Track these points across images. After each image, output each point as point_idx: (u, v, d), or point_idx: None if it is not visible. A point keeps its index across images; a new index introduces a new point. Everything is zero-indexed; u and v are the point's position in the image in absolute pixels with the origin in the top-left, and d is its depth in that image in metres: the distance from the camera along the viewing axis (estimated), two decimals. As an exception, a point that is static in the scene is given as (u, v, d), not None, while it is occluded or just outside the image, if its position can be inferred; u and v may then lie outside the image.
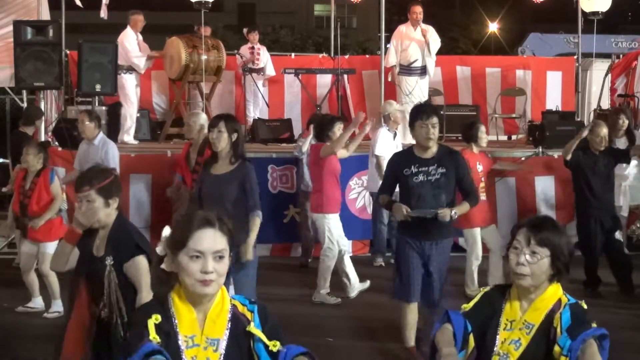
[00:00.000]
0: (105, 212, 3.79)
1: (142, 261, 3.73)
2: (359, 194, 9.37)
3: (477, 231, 7.52)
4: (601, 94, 11.96)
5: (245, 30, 12.26)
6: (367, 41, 31.85)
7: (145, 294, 3.68)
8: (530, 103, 12.36)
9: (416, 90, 10.51)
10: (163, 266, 2.54)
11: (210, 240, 2.46)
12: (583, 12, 11.58)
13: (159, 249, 2.55)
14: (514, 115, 12.24)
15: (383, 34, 10.72)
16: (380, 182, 8.62)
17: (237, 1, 41.03)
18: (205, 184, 5.62)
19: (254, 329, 2.52)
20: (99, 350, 3.81)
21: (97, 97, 10.00)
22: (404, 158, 5.64)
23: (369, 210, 9.24)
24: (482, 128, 7.49)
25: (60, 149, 9.33)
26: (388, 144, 8.59)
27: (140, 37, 10.46)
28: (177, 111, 10.98)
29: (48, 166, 7.10)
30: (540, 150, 9.76)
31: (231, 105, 12.19)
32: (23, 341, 6.36)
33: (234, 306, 2.56)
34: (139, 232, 3.95)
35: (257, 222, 5.47)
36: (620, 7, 26.40)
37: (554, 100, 12.24)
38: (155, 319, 2.45)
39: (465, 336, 2.83)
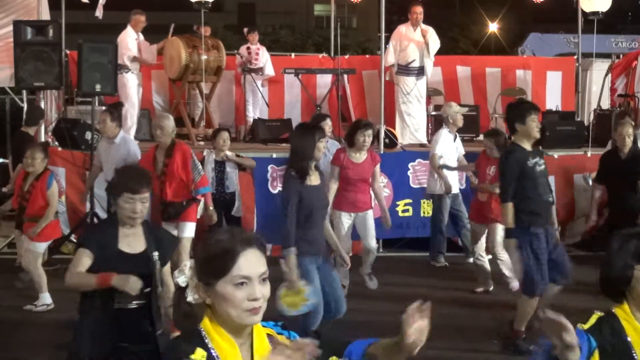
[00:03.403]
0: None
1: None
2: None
3: None
4: (601, 94, 11.96)
5: (245, 30, 12.27)
6: (367, 41, 31.83)
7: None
8: (530, 103, 12.36)
9: (414, 90, 10.51)
10: (189, 299, 2.23)
11: (256, 262, 2.18)
12: (583, 12, 11.58)
13: (181, 280, 2.26)
14: (514, 115, 12.21)
15: (383, 34, 10.70)
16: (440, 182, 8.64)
17: (237, 1, 41.04)
18: (310, 197, 5.48)
19: None
20: (120, 343, 3.89)
21: (97, 97, 9.99)
22: (521, 154, 5.90)
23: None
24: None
25: (60, 149, 9.33)
26: (448, 145, 8.64)
27: (142, 37, 10.45)
28: (177, 111, 10.97)
29: (48, 169, 7.11)
30: (540, 150, 9.74)
31: (231, 106, 12.19)
32: (23, 341, 6.37)
33: (269, 336, 2.28)
34: None
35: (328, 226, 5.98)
36: (620, 7, 26.37)
37: (554, 100, 12.25)
38: (200, 356, 2.13)
39: (590, 350, 2.62)
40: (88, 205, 8.86)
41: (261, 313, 2.17)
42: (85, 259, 3.88)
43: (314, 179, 5.49)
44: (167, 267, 3.99)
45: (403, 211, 9.57)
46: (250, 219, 8.93)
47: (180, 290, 2.26)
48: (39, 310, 7.01)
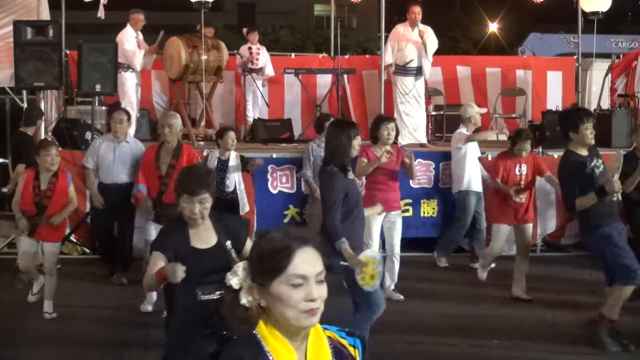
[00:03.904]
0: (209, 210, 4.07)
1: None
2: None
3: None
4: (601, 94, 11.96)
5: (245, 30, 12.26)
6: (367, 41, 31.81)
7: None
8: (530, 103, 12.36)
9: (412, 90, 10.51)
10: (243, 301, 2.13)
11: (312, 261, 2.07)
12: (583, 12, 11.57)
13: (234, 282, 2.16)
14: (514, 115, 12.24)
15: (383, 34, 10.71)
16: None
17: (237, 1, 41.06)
18: (354, 191, 5.49)
19: None
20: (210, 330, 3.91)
21: (97, 97, 10.00)
22: (579, 160, 5.95)
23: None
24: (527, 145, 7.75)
25: (60, 149, 9.32)
26: (470, 144, 8.67)
27: (141, 36, 10.43)
28: (177, 111, 10.94)
29: (61, 167, 7.09)
30: (540, 150, 9.75)
31: (231, 105, 12.19)
32: (24, 340, 6.36)
33: (330, 339, 2.18)
34: None
35: None
36: (620, 7, 26.38)
37: (554, 100, 12.24)
38: None
39: None
40: (87, 205, 8.87)
41: (319, 314, 2.07)
42: (159, 262, 3.98)
43: (350, 175, 5.52)
44: (248, 246, 4.06)
45: (403, 211, 9.53)
46: (251, 219, 8.93)
47: (234, 293, 2.15)
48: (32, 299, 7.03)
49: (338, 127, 5.67)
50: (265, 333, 2.09)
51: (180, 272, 3.82)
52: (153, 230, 6.80)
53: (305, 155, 8.64)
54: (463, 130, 8.68)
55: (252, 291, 2.11)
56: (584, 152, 5.97)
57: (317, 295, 2.05)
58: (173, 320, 4.14)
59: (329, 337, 2.16)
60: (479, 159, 8.89)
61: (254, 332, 2.10)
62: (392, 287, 7.50)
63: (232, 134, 8.08)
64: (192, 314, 3.96)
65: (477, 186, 8.69)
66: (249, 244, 4.10)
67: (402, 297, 7.41)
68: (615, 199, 6.01)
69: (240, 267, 2.16)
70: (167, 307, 4.23)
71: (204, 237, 4.05)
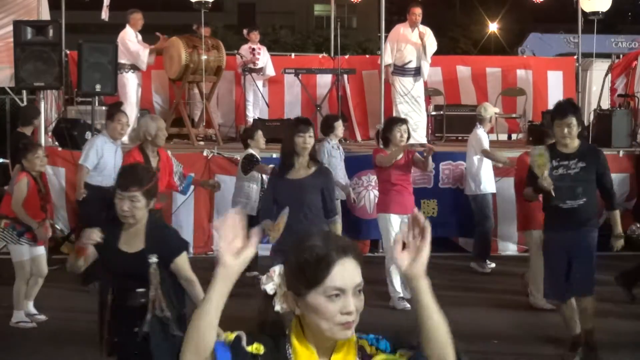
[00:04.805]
0: (144, 212, 3.90)
1: (186, 256, 4.00)
2: (359, 194, 9.34)
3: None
4: (601, 94, 11.95)
5: (245, 30, 12.27)
6: (367, 41, 31.81)
7: (199, 286, 3.90)
8: (531, 103, 12.36)
9: (411, 90, 10.50)
10: (277, 308, 2.06)
11: (351, 273, 2.00)
12: (583, 12, 11.57)
13: (268, 288, 2.08)
14: (514, 115, 12.23)
15: (383, 34, 10.71)
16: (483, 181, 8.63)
17: (237, 1, 41.08)
18: (282, 190, 5.48)
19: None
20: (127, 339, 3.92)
21: (97, 97, 9.99)
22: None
23: (369, 209, 9.22)
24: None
25: (60, 149, 9.33)
26: (486, 143, 8.71)
27: (140, 37, 10.45)
28: (177, 111, 10.98)
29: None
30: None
31: (231, 105, 12.19)
32: (23, 341, 6.36)
33: (361, 348, 2.09)
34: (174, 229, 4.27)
35: (339, 227, 5.69)
36: (620, 7, 26.39)
37: (555, 100, 12.13)
38: (256, 349, 2.01)
39: None
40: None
41: (353, 327, 2.02)
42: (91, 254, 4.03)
43: (301, 173, 5.46)
44: (182, 259, 3.95)
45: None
46: (250, 219, 8.94)
47: (268, 298, 2.08)
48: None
49: (289, 124, 5.84)
50: (293, 336, 2.05)
51: (94, 235, 3.85)
52: None
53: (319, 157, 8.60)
54: (481, 130, 8.69)
55: (287, 298, 2.05)
56: (564, 149, 5.62)
57: (353, 308, 1.99)
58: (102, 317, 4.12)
59: (359, 346, 2.09)
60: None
61: (287, 334, 2.06)
62: (402, 294, 7.15)
63: (261, 132, 8.13)
64: (118, 317, 3.93)
65: (492, 188, 8.74)
66: (181, 261, 3.95)
67: (408, 305, 7.03)
68: (567, 207, 5.55)
69: (276, 271, 2.09)
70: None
71: (132, 241, 3.92)
